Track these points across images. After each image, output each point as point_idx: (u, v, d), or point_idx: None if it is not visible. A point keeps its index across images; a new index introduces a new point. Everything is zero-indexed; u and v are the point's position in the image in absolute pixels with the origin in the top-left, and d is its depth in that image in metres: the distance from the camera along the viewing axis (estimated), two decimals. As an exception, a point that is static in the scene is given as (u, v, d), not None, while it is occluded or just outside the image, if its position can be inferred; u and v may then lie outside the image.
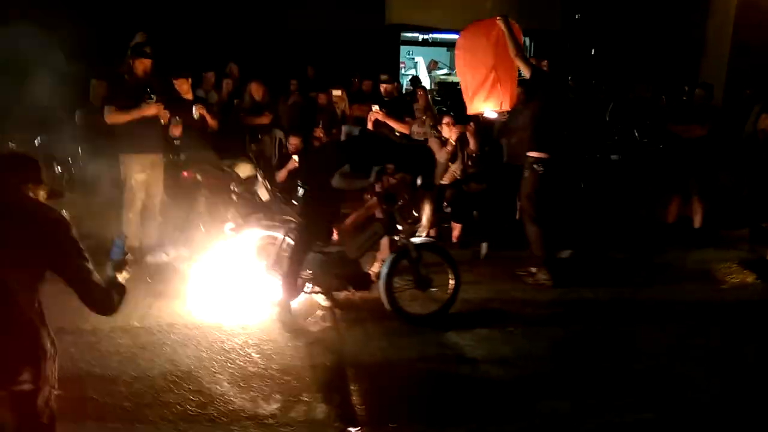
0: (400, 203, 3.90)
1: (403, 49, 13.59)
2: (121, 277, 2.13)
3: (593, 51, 9.74)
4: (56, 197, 2.11)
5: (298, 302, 4.09)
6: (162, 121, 5.25)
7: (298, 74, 8.93)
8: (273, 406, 2.90)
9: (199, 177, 5.70)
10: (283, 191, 5.99)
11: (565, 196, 4.74)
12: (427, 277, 3.96)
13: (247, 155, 6.81)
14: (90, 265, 1.96)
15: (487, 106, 4.87)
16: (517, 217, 5.92)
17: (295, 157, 6.54)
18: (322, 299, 4.19)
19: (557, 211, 4.72)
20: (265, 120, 7.49)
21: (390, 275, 3.88)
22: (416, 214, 3.95)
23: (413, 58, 14.26)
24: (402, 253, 3.92)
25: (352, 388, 3.13)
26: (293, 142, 6.67)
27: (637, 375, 3.31)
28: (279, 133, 7.58)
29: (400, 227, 3.90)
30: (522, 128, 5.72)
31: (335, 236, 4.10)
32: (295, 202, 4.52)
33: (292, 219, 4.21)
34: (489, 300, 4.38)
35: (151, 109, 5.09)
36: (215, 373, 3.25)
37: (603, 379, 3.29)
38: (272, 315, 3.92)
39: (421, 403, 2.99)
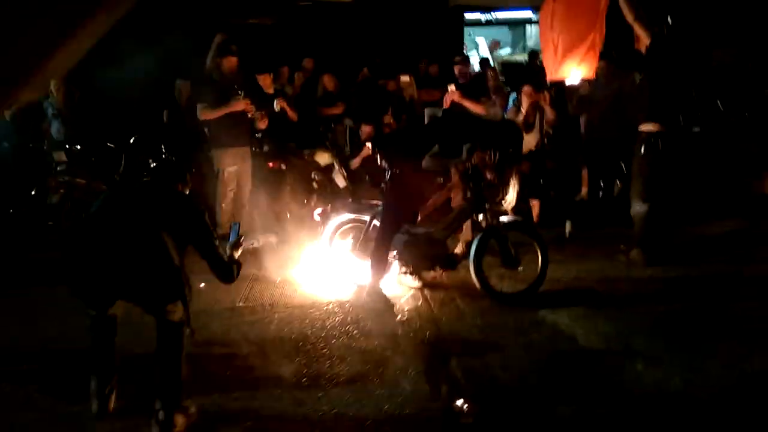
0: (487, 181, 3.95)
1: (465, 30, 13.42)
2: (237, 255, 2.96)
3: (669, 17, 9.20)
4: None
5: (388, 283, 4.23)
6: (249, 115, 5.54)
7: (367, 63, 9.05)
8: (379, 379, 3.04)
9: (283, 167, 5.98)
10: (358, 178, 6.20)
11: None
12: (516, 255, 3.99)
13: (325, 144, 7.04)
14: (217, 242, 2.78)
15: (580, 70, 4.58)
16: (600, 195, 5.84)
17: (368, 145, 6.70)
18: (410, 279, 4.32)
19: (670, 188, 4.53)
20: (337, 110, 7.70)
21: (479, 254, 3.95)
22: (503, 193, 3.98)
23: (474, 39, 14.07)
24: (490, 231, 3.97)
25: (453, 363, 3.21)
26: (365, 130, 6.82)
27: (744, 351, 3.21)
28: (349, 122, 7.75)
29: (487, 206, 3.95)
30: (605, 101, 5.60)
31: (420, 217, 4.21)
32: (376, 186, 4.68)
33: (377, 202, 4.36)
34: (579, 279, 4.36)
35: (240, 105, 5.38)
36: (321, 348, 3.45)
37: (710, 355, 3.20)
38: (365, 295, 4.08)
39: (524, 380, 3.02)
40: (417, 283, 4.28)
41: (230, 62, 5.47)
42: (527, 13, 12.39)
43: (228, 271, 2.84)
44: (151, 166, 6.31)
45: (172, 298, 2.56)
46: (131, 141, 6.64)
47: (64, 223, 5.66)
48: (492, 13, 13.03)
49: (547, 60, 4.77)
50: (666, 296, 4.02)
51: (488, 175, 3.95)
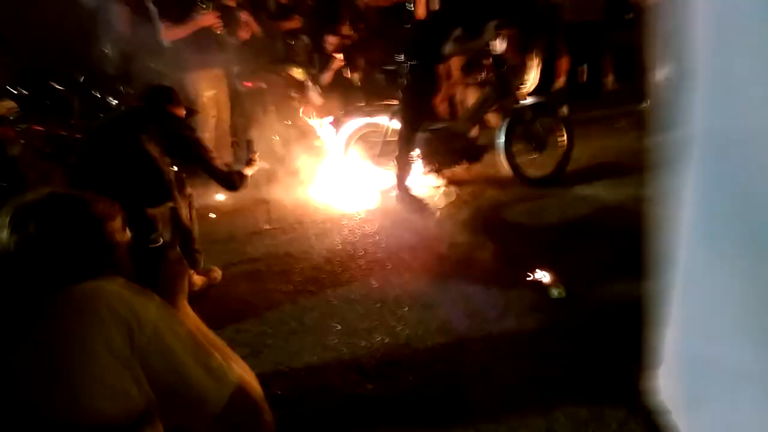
0: (511, 64, 3.79)
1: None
2: (249, 170, 3.16)
3: None
4: None
5: (416, 183, 4.10)
6: (218, 31, 5.01)
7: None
8: (420, 285, 2.94)
9: (263, 85, 5.55)
10: (331, 93, 5.89)
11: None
12: (544, 137, 3.94)
13: (294, 60, 6.59)
14: (213, 155, 2.97)
15: None
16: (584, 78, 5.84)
17: (338, 55, 6.35)
18: (436, 177, 4.21)
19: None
20: (295, 24, 7.13)
21: (509, 140, 3.87)
22: (527, 74, 3.85)
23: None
24: (517, 115, 3.87)
25: (500, 250, 3.18)
26: (331, 41, 6.44)
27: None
28: (306, 39, 7.25)
29: (513, 90, 3.82)
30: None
31: (440, 111, 4.05)
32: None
33: (393, 102, 4.14)
34: (596, 156, 4.39)
35: (207, 19, 4.84)
36: (374, 253, 3.33)
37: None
38: (396, 200, 3.94)
39: (585, 253, 3.04)
40: (444, 180, 4.17)
41: None
42: None
43: (229, 178, 3.02)
44: (112, 104, 5.71)
45: (160, 201, 2.73)
46: (81, 80, 5.92)
47: (27, 177, 5.07)
48: None
49: None
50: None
51: (511, 58, 3.78)
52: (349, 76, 6.57)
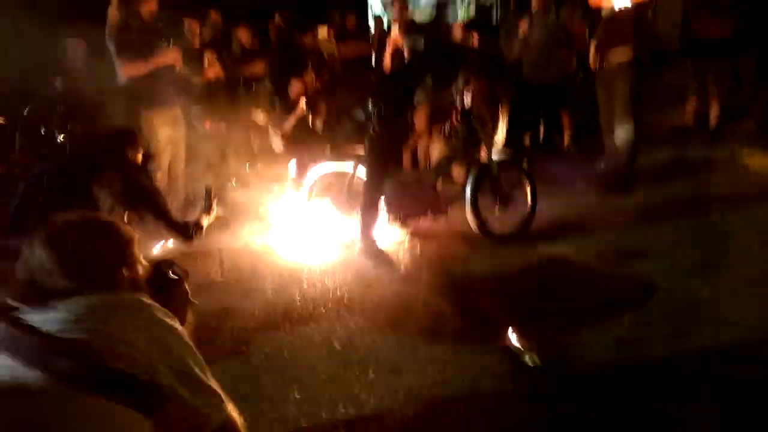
0: (479, 117, 3.78)
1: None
2: (206, 220, 3.04)
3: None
4: None
5: (380, 235, 3.96)
6: (177, 69, 4.84)
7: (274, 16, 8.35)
8: (386, 347, 2.79)
9: (221, 126, 5.36)
10: (292, 139, 5.78)
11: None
12: (510, 193, 3.91)
13: (254, 104, 6.47)
14: (167, 204, 2.92)
15: None
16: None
17: (302, 102, 6.28)
18: (398, 230, 4.08)
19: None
20: (258, 68, 7.04)
21: (475, 194, 3.81)
22: (494, 128, 3.85)
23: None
24: (484, 170, 3.84)
25: (484, 305, 3.07)
26: (296, 86, 6.38)
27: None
28: (268, 84, 7.20)
29: (481, 143, 3.80)
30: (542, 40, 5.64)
31: (407, 160, 3.97)
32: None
33: (359, 149, 4.03)
34: (559, 211, 4.38)
35: (169, 56, 4.67)
36: (337, 309, 3.13)
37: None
38: (360, 251, 3.78)
39: (556, 314, 2.96)
40: (409, 233, 4.05)
41: (150, 5, 4.68)
42: None
43: (184, 229, 2.94)
44: (58, 140, 5.38)
45: None
46: (24, 113, 5.57)
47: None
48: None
49: None
50: (652, 217, 4.12)
51: (479, 110, 3.78)
52: (312, 123, 6.49)
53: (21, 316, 1.12)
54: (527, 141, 5.68)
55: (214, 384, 1.22)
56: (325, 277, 3.55)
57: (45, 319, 1.11)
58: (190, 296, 1.50)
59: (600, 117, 4.86)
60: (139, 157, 2.99)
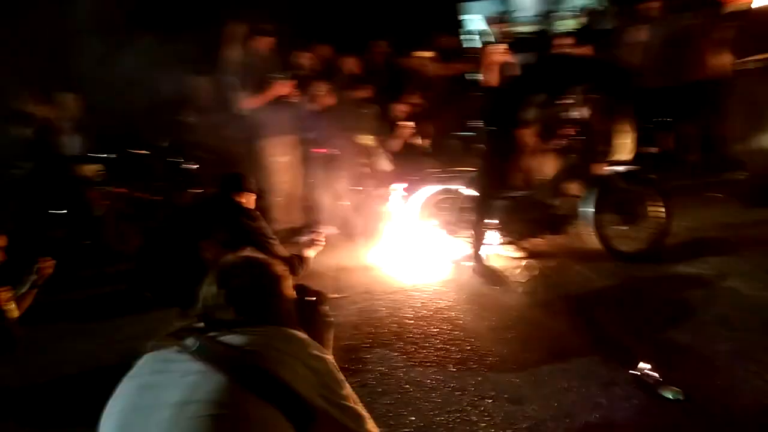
0: (597, 129, 3.54)
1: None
2: (311, 252, 3.07)
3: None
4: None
5: (492, 255, 3.83)
6: (292, 99, 5.12)
7: (373, 42, 8.54)
8: (505, 374, 2.63)
9: (336, 152, 5.56)
10: (400, 160, 5.82)
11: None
12: (637, 208, 3.59)
13: (363, 127, 6.64)
14: (273, 241, 2.90)
15: None
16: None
17: (407, 123, 6.34)
18: (512, 250, 3.92)
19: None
20: (366, 93, 7.24)
21: (598, 210, 3.55)
22: (614, 141, 3.56)
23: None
24: (607, 183, 3.57)
25: (596, 336, 2.82)
26: (400, 109, 6.47)
27: None
28: (374, 106, 7.35)
29: (599, 156, 3.55)
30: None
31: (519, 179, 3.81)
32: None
33: (468, 169, 3.96)
34: (693, 229, 3.97)
35: (283, 87, 4.96)
36: (451, 330, 3.04)
37: None
38: (473, 271, 3.67)
39: (698, 343, 2.63)
40: (523, 253, 3.88)
41: (265, 42, 5.04)
42: None
43: (290, 263, 2.86)
44: (192, 168, 5.90)
45: None
46: (165, 146, 6.19)
47: (109, 237, 5.23)
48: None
49: None
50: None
51: (596, 123, 3.54)
52: (420, 143, 6.53)
53: (211, 335, 1.35)
54: (654, 152, 5.23)
55: (357, 405, 1.41)
56: (437, 298, 3.49)
57: (229, 338, 1.33)
58: (327, 316, 1.72)
59: (733, 125, 4.34)
60: (250, 197, 3.10)
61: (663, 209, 3.61)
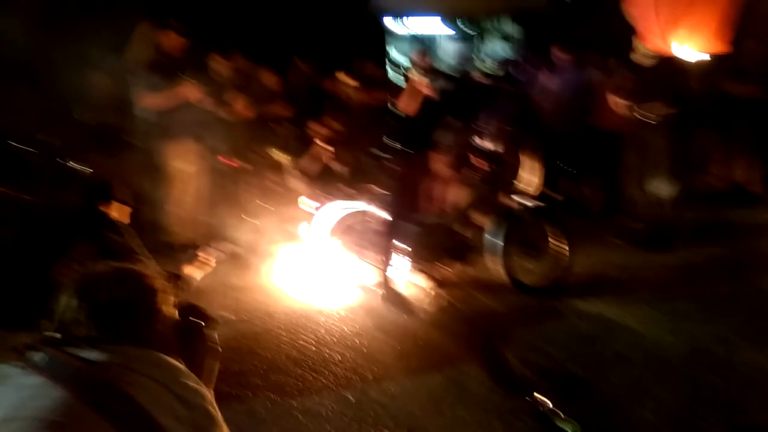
0: (506, 159, 3.60)
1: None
2: (193, 271, 2.75)
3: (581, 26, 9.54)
4: None
5: (399, 279, 3.72)
6: (198, 104, 4.79)
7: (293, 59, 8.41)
8: (405, 404, 2.51)
9: (247, 165, 5.27)
10: (311, 180, 5.67)
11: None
12: (542, 242, 3.66)
13: (279, 145, 6.42)
14: (141, 257, 2.58)
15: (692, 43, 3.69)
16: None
17: (325, 146, 6.23)
18: (420, 276, 3.84)
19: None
20: (279, 110, 7.04)
21: (505, 242, 3.57)
22: (522, 173, 3.64)
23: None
24: (514, 216, 3.62)
25: (510, 358, 2.79)
26: (317, 129, 6.35)
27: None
28: (290, 127, 7.19)
29: (508, 187, 3.60)
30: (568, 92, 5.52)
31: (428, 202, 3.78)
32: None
33: (380, 190, 3.87)
34: (593, 267, 4.10)
35: (186, 90, 4.60)
36: (353, 354, 2.87)
37: None
38: (377, 298, 3.53)
39: (600, 373, 2.66)
40: (431, 280, 3.80)
41: (170, 39, 4.68)
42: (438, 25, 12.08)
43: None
44: (83, 171, 5.33)
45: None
46: (56, 144, 5.56)
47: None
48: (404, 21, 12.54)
49: (645, 22, 3.85)
50: (695, 281, 3.80)
51: (506, 153, 3.59)
52: (336, 167, 6.41)
53: (66, 349, 1.14)
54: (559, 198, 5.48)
55: None
56: (343, 323, 3.30)
57: (86, 353, 1.13)
58: (212, 343, 1.43)
59: (629, 171, 4.64)
60: (116, 209, 2.73)
61: (566, 247, 3.70)
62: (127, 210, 2.77)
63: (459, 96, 3.43)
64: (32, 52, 5.88)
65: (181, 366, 1.20)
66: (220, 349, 1.45)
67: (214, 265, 3.27)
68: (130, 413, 1.05)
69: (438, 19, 11.48)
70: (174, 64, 4.69)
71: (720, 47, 3.71)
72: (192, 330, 1.46)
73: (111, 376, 1.08)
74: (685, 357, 2.78)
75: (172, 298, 1.33)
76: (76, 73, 6.02)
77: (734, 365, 2.69)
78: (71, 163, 5.57)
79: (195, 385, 1.18)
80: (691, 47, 3.69)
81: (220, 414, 1.19)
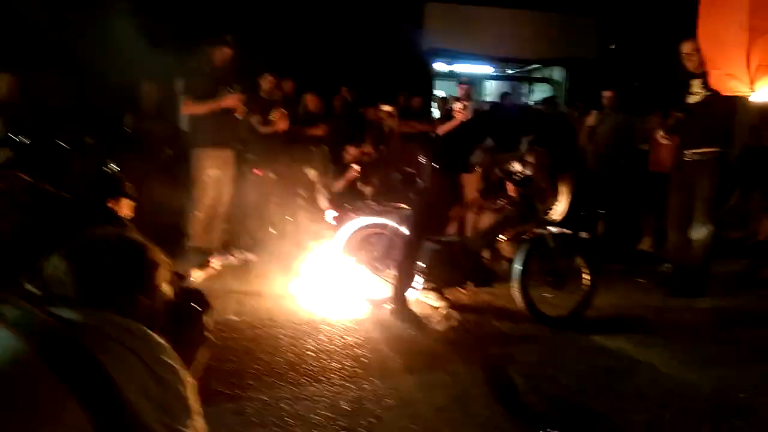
0: (538, 186, 3.47)
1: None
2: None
3: (636, 82, 9.48)
4: None
5: (413, 298, 3.59)
6: (238, 115, 4.90)
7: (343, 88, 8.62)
8: (402, 421, 2.34)
9: (272, 176, 5.30)
10: (340, 201, 5.65)
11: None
12: (565, 272, 3.48)
13: (310, 162, 6.47)
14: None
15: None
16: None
17: (355, 166, 6.25)
18: (434, 296, 3.70)
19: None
20: (319, 131, 7.15)
21: (525, 269, 3.42)
22: (553, 200, 3.50)
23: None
24: (538, 243, 3.47)
25: (522, 389, 2.60)
26: (351, 152, 6.39)
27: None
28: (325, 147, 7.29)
29: (537, 215, 3.46)
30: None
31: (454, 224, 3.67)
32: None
33: (404, 206, 3.79)
34: (617, 306, 3.89)
35: (230, 101, 4.73)
36: (352, 367, 2.74)
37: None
38: (391, 312, 3.41)
39: (618, 416, 2.44)
40: (445, 301, 3.66)
41: (223, 53, 4.85)
42: (487, 69, 12.22)
43: None
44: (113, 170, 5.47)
45: None
46: (91, 143, 5.74)
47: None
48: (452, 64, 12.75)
49: (725, 61, 3.52)
50: (718, 325, 3.59)
51: (539, 179, 3.47)
52: (364, 189, 6.40)
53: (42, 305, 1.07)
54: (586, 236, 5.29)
55: None
56: (346, 333, 3.19)
57: (61, 312, 1.05)
58: (206, 331, 1.35)
59: (669, 214, 4.43)
60: (124, 205, 2.73)
61: (589, 278, 3.52)
62: (131, 206, 2.78)
63: (501, 121, 3.33)
64: (89, 54, 6.20)
65: (166, 344, 1.10)
66: (212, 338, 1.36)
67: (219, 268, 3.44)
68: (92, 380, 0.95)
69: (488, 67, 11.61)
70: (217, 73, 4.83)
71: None
72: (189, 315, 1.38)
73: (82, 338, 0.99)
74: (708, 398, 2.54)
75: (170, 276, 1.25)
76: (130, 80, 6.30)
77: (759, 410, 2.43)
78: (111, 166, 5.72)
79: (176, 367, 1.07)
80: None
81: (198, 404, 1.08)
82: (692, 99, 4.16)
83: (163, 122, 5.96)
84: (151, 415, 0.98)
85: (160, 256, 1.25)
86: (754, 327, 3.54)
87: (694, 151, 4.14)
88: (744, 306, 4.00)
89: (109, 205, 2.62)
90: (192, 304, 1.38)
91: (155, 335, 1.09)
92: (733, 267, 4.90)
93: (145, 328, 1.08)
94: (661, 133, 4.36)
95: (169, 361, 1.06)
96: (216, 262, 3.98)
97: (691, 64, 4.08)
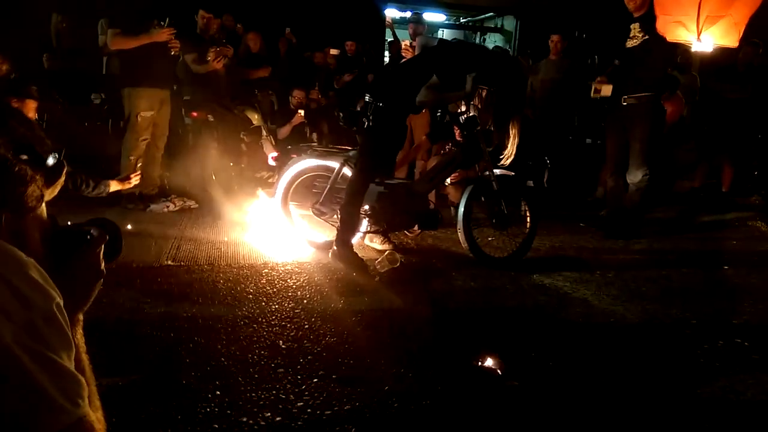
0: (483, 128, 3.42)
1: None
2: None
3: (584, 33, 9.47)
4: None
5: (356, 242, 3.55)
6: (172, 51, 4.56)
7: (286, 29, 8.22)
8: (340, 355, 2.36)
9: (210, 118, 5.03)
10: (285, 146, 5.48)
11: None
12: (508, 214, 3.50)
13: (254, 105, 6.20)
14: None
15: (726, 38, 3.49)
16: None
17: (301, 112, 6.05)
18: (378, 241, 3.68)
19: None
20: (264, 73, 6.81)
21: (469, 208, 3.41)
22: (501, 143, 3.46)
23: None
24: (482, 184, 3.46)
25: (443, 328, 2.64)
26: (297, 95, 6.18)
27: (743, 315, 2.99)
28: (270, 91, 7.00)
29: (482, 155, 3.43)
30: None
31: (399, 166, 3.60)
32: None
33: (349, 147, 3.69)
34: (557, 248, 3.99)
35: (162, 35, 4.38)
36: (293, 309, 2.69)
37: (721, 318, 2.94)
38: (332, 254, 3.35)
39: (557, 342, 2.52)
40: (390, 244, 3.64)
41: None
42: (440, 17, 11.97)
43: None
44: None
45: None
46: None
47: None
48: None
49: (676, 8, 3.59)
50: (652, 264, 3.74)
51: (485, 120, 3.42)
52: (308, 135, 6.22)
53: None
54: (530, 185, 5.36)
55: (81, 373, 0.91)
56: (287, 276, 3.13)
57: None
58: (100, 265, 1.12)
59: (606, 159, 4.52)
60: (28, 105, 2.96)
61: (529, 221, 3.57)
62: (34, 106, 2.99)
63: (446, 58, 3.20)
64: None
65: (33, 261, 0.94)
66: (103, 270, 1.18)
67: (136, 183, 3.81)
68: None
69: (441, 15, 11.36)
70: (143, 4, 4.46)
71: (735, 43, 3.58)
72: (76, 238, 1.20)
73: None
74: (633, 327, 2.68)
75: (45, 193, 1.05)
76: (48, 16, 5.76)
77: (678, 336, 2.58)
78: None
79: (44, 285, 0.93)
80: (719, 40, 3.50)
81: (83, 340, 0.96)
82: (630, 43, 4.18)
83: (85, 61, 5.55)
84: (9, 336, 0.85)
85: (27, 170, 1.04)
86: (682, 266, 3.70)
87: (630, 95, 4.19)
88: (675, 247, 4.19)
89: (14, 104, 2.64)
90: (88, 230, 1.23)
91: (19, 252, 0.95)
92: (670, 214, 5.13)
93: (5, 243, 0.94)
94: (599, 78, 4.39)
95: (38, 279, 0.93)
96: (133, 177, 3.84)
97: (632, 4, 4.07)
